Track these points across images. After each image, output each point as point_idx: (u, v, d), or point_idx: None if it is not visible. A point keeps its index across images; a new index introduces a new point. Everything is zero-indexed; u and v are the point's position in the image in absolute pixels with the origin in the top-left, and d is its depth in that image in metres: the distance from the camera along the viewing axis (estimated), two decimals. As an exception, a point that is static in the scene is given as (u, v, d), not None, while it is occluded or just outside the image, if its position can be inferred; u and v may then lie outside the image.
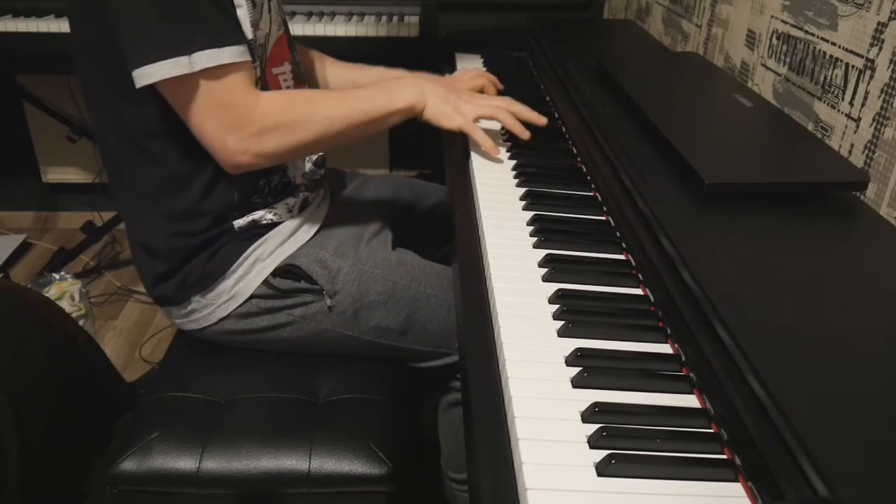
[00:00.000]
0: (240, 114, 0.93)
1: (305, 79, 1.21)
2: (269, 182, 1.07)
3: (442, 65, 1.65)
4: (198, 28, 0.88)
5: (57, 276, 2.16)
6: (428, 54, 1.82)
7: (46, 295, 2.00)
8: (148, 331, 2.08)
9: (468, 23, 1.88)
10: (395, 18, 1.90)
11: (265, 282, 1.06)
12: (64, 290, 2.10)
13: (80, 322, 1.98)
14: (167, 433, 0.99)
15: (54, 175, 2.53)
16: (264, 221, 1.07)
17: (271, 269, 1.07)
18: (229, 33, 0.92)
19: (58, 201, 2.61)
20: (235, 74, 0.92)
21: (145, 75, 0.88)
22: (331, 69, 1.33)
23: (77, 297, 2.11)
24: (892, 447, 0.52)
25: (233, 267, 1.05)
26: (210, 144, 0.94)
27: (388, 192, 1.36)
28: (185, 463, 0.97)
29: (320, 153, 1.17)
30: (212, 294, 1.06)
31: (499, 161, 1.09)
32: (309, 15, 1.92)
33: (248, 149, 0.94)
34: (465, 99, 1.08)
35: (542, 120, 1.10)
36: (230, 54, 0.90)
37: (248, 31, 0.96)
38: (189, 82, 0.90)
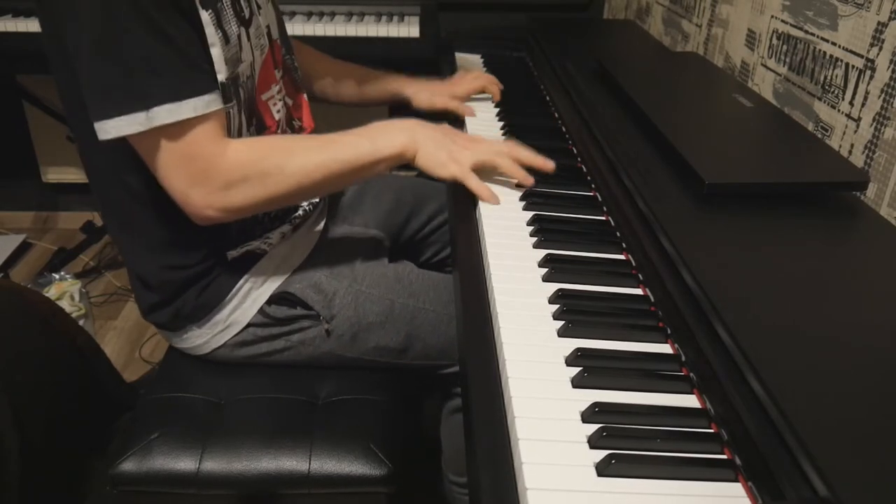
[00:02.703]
0: (203, 167, 0.87)
1: (303, 84, 1.20)
2: (269, 212, 1.05)
3: (442, 65, 1.65)
4: (157, 80, 0.82)
5: (57, 276, 2.16)
6: (428, 54, 1.82)
7: (46, 295, 2.00)
8: (148, 331, 2.08)
9: (468, 23, 1.89)
10: (395, 18, 1.90)
11: (260, 311, 1.04)
12: (64, 290, 2.10)
13: (80, 322, 1.98)
14: (167, 433, 0.99)
15: (54, 175, 2.53)
16: (258, 252, 1.05)
17: (266, 297, 1.04)
18: (194, 83, 0.84)
19: (58, 201, 2.61)
20: (199, 127, 0.85)
21: (102, 130, 0.83)
22: (329, 66, 1.31)
23: (77, 297, 2.11)
24: (892, 447, 0.52)
25: (227, 297, 1.02)
26: (176, 198, 0.89)
27: (389, 198, 1.34)
28: (185, 463, 0.97)
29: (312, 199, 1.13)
30: (207, 324, 1.04)
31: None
32: (309, 15, 1.92)
33: (212, 203, 0.89)
34: (461, 144, 0.99)
35: (549, 165, 1.00)
36: (193, 107, 0.84)
37: (223, 72, 0.90)
38: (149, 137, 0.84)
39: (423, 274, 1.12)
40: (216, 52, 0.89)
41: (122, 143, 0.85)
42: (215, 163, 0.87)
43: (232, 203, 0.90)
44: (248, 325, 1.05)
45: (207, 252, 1.01)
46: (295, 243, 1.10)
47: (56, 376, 1.08)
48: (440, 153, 0.97)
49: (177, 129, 0.84)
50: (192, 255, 1.01)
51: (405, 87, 1.31)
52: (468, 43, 1.72)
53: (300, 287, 1.05)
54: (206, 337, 1.06)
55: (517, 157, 1.00)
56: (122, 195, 0.97)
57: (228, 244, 1.02)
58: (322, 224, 1.17)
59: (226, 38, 0.90)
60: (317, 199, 1.15)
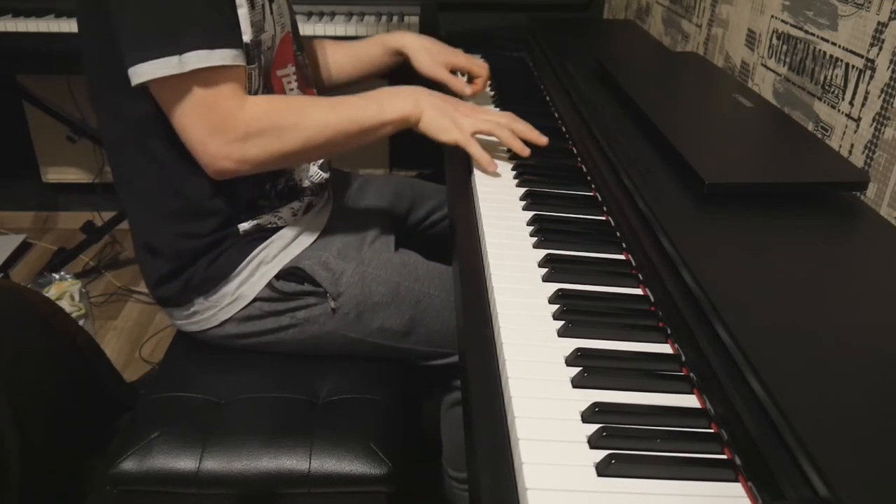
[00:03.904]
0: (223, 118, 0.91)
1: (312, 81, 1.21)
2: (275, 186, 1.07)
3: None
4: (191, 28, 0.87)
5: (57, 276, 2.16)
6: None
7: (46, 295, 2.00)
8: (148, 331, 2.08)
9: (468, 23, 1.88)
10: (395, 18, 1.90)
11: (269, 285, 1.06)
12: (64, 290, 2.10)
13: (80, 322, 1.98)
14: (167, 433, 0.99)
15: (54, 175, 2.53)
16: (269, 226, 1.07)
17: (275, 272, 1.06)
18: (224, 35, 0.90)
19: (58, 201, 2.61)
20: (225, 78, 0.91)
21: (136, 74, 0.88)
22: (331, 53, 1.32)
23: (77, 297, 2.11)
24: (892, 447, 0.52)
25: (236, 270, 1.05)
26: (193, 147, 0.93)
27: (390, 192, 1.36)
28: (185, 463, 0.97)
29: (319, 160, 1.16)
30: (215, 296, 1.06)
31: (499, 165, 1.08)
32: (309, 15, 1.92)
33: (229, 154, 0.93)
34: (463, 112, 1.04)
35: (542, 140, 1.06)
36: (221, 57, 0.89)
37: (248, 33, 0.95)
38: (177, 82, 0.89)
39: (427, 263, 1.14)
40: (243, 13, 0.94)
41: (146, 106, 0.92)
42: (234, 115, 0.92)
43: (247, 155, 0.94)
44: (255, 300, 1.06)
45: (219, 223, 1.03)
46: (304, 226, 1.12)
47: (56, 376, 1.08)
48: (443, 119, 1.02)
49: (204, 77, 0.89)
50: (204, 223, 1.03)
51: (406, 42, 1.30)
52: (468, 43, 1.72)
53: (309, 264, 1.07)
54: (214, 310, 1.07)
55: (515, 129, 1.05)
56: (140, 162, 1.01)
57: (239, 215, 1.04)
58: (329, 212, 1.20)
59: (252, 4, 0.95)
60: (322, 183, 1.16)
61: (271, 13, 1.01)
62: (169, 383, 1.08)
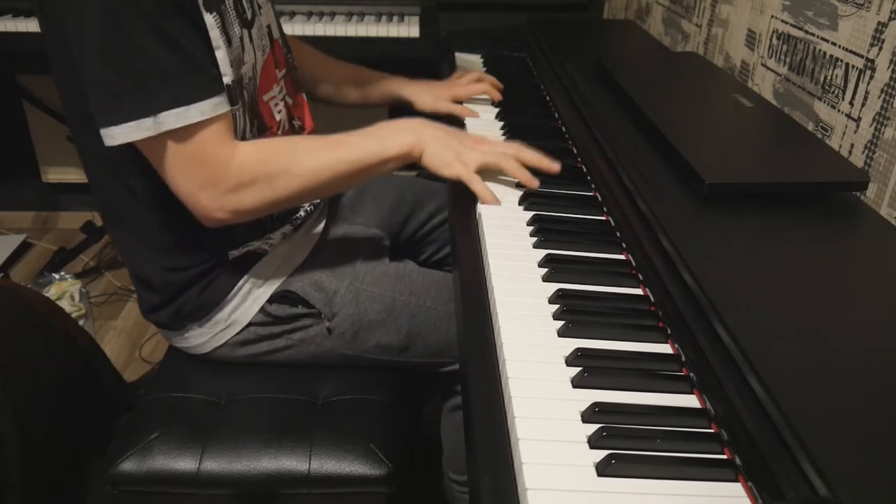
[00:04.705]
0: (212, 170, 0.87)
1: (302, 84, 1.19)
2: (272, 213, 1.04)
3: (442, 65, 1.65)
4: (164, 85, 0.81)
5: (57, 276, 2.16)
6: (428, 54, 1.82)
7: (46, 295, 2.00)
8: (148, 331, 2.08)
9: (468, 23, 1.88)
10: (395, 18, 1.90)
11: (262, 309, 1.04)
12: (64, 290, 2.10)
13: (80, 322, 1.98)
14: (167, 433, 0.99)
15: (54, 175, 2.53)
16: (258, 251, 1.05)
17: (267, 296, 1.05)
18: (200, 87, 0.84)
19: (58, 201, 2.61)
20: (207, 130, 0.85)
21: (109, 137, 0.83)
22: (331, 68, 1.30)
23: (77, 297, 2.11)
24: (892, 447, 0.52)
25: (228, 297, 1.03)
26: (185, 201, 0.89)
27: (390, 197, 1.34)
28: (185, 463, 0.97)
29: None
30: (208, 323, 1.04)
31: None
32: (309, 15, 1.92)
33: (223, 206, 0.89)
34: (468, 145, 0.99)
35: (554, 167, 1.00)
36: (200, 111, 0.84)
37: (228, 74, 0.89)
38: (157, 142, 0.84)
39: (423, 272, 1.13)
40: (221, 55, 0.88)
41: (125, 147, 0.85)
42: (224, 166, 0.88)
43: (241, 205, 0.90)
44: (249, 325, 1.05)
45: (209, 252, 1.01)
46: (296, 243, 1.10)
47: (56, 376, 1.08)
48: (446, 153, 0.98)
49: (185, 133, 0.84)
50: (194, 255, 1.01)
51: (406, 88, 1.31)
52: (468, 43, 1.72)
53: (301, 285, 1.05)
54: (207, 336, 1.06)
55: (522, 159, 0.99)
56: (124, 198, 0.97)
57: (231, 244, 1.02)
58: (322, 224, 1.18)
59: (229, 41, 0.90)
60: (318, 199, 1.15)
61: (250, 40, 0.95)
62: (169, 383, 1.08)
